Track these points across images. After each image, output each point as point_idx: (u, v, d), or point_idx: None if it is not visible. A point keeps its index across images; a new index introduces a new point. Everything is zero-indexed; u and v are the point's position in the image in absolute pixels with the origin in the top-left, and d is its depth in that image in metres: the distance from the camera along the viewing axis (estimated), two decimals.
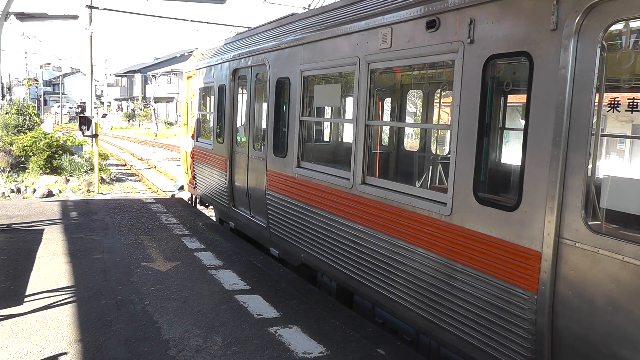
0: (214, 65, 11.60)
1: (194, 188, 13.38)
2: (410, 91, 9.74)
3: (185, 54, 73.45)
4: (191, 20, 30.74)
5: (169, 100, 79.39)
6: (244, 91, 10.52)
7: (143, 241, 9.60)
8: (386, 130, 10.16)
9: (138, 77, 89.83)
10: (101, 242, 9.48)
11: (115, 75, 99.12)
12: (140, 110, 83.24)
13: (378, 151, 8.59)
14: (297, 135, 7.79)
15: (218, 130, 11.31)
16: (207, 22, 31.58)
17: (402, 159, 9.50)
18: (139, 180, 24.08)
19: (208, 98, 12.72)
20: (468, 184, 4.74)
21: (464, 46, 4.73)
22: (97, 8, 27.46)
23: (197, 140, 12.91)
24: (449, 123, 5.01)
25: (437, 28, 5.07)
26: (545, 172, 3.97)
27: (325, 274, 7.41)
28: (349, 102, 7.42)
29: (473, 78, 4.65)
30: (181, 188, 17.95)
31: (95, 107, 30.71)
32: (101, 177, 20.81)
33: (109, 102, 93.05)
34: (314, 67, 7.40)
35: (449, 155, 4.99)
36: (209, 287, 7.30)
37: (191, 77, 13.88)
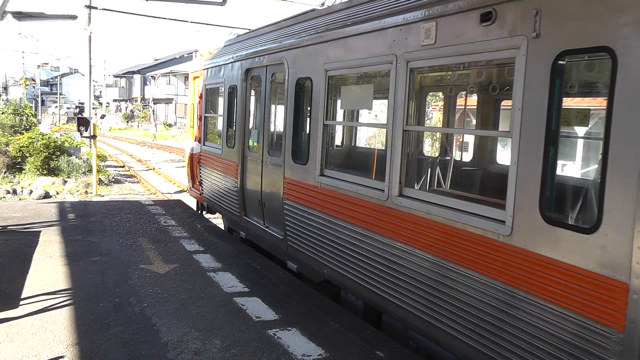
0: (223, 64, 10.97)
1: (200, 194, 12.68)
2: (459, 93, 8.88)
3: (185, 55, 73.63)
4: (191, 22, 30.73)
5: (168, 101, 79.37)
6: (258, 92, 9.95)
7: (141, 243, 9.55)
8: (430, 136, 9.96)
9: (137, 78, 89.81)
10: (99, 244, 9.43)
11: (114, 76, 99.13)
12: (139, 111, 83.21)
13: (418, 160, 7.77)
14: (321, 140, 7.17)
15: (228, 134, 10.70)
16: (207, 24, 31.54)
17: (447, 169, 8.42)
18: (138, 182, 24.02)
19: (217, 100, 12.21)
20: (532, 199, 4.16)
21: (528, 41, 4.19)
22: (96, 8, 27.43)
23: (204, 144, 12.27)
24: (508, 129, 4.47)
25: (493, 21, 4.52)
26: (633, 188, 3.42)
27: (351, 291, 6.80)
28: (380, 104, 6.98)
29: (539, 78, 4.12)
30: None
31: (93, 108, 30.69)
32: (99, 178, 20.74)
33: (108, 103, 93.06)
34: (340, 66, 6.84)
35: (508, 166, 4.44)
36: (208, 289, 7.25)
37: (198, 77, 13.17)
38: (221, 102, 11.23)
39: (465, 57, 5.15)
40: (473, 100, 8.98)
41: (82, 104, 41.01)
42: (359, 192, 6.30)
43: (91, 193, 19.14)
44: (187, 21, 30.68)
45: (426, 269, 5.23)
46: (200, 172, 12.45)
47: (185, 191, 21.20)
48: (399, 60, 5.63)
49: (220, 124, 11.63)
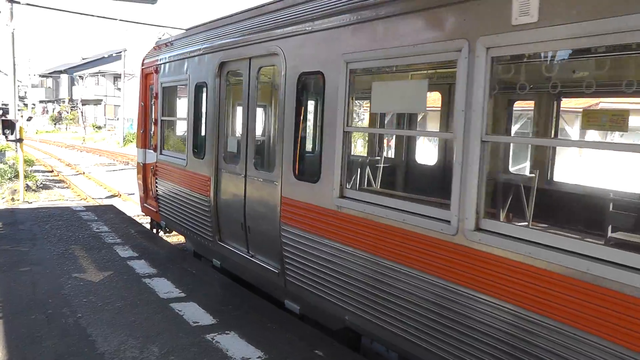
0: (188, 57, 9.31)
1: (157, 212, 10.94)
2: (570, 90, 7.09)
3: (114, 55, 71.57)
4: (120, 20, 29.90)
5: (97, 102, 77.05)
6: (236, 91, 8.51)
7: (74, 251, 9.34)
8: (522, 149, 8.43)
9: (64, 78, 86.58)
10: (29, 253, 9.15)
11: (40, 75, 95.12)
12: (67, 113, 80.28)
13: (504, 182, 6.48)
14: (340, 152, 5.67)
15: (195, 142, 9.11)
16: (137, 22, 30.93)
17: (553, 194, 6.75)
18: (68, 187, 23.28)
19: (178, 100, 10.82)
20: None
21: None
22: (18, 3, 26.29)
23: (161, 153, 10.57)
24: None
25: None
26: None
27: (384, 342, 5.56)
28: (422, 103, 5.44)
29: None
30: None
31: (18, 110, 29.46)
32: (27, 184, 20.00)
33: (34, 105, 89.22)
34: (371, 56, 5.35)
35: None
36: (144, 296, 7.20)
37: (151, 73, 11.29)
38: (184, 103, 9.68)
39: (589, 41, 3.62)
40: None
41: (6, 105, 39.28)
42: (406, 222, 4.92)
43: (18, 200, 18.42)
44: (115, 19, 29.84)
45: (537, 334, 3.84)
46: (156, 186, 10.78)
47: (117, 196, 20.80)
48: (475, 46, 4.24)
49: (183, 130, 10.09)
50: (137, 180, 12.61)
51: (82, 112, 67.10)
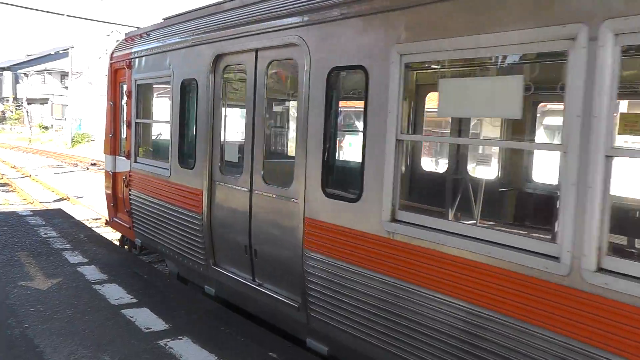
0: (171, 50, 8.13)
1: (130, 228, 9.74)
2: None
3: (61, 52, 69.69)
4: (67, 15, 29.10)
5: (43, 101, 74.70)
6: (237, 89, 7.78)
7: (20, 258, 9.07)
8: None
9: (7, 75, 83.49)
10: None
11: None
12: (12, 112, 77.58)
13: (633, 208, 5.58)
14: (392, 165, 4.70)
15: (183, 150, 7.96)
16: (85, 18, 30.24)
17: None
18: (13, 191, 22.54)
19: (157, 99, 9.74)
20: None
21: None
22: None
23: (135, 161, 9.39)
24: None
25: None
26: None
27: None
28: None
29: None
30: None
31: None
32: None
33: None
34: (436, 47, 4.36)
35: None
36: (94, 303, 7.07)
37: (122, 68, 9.97)
38: (166, 104, 8.56)
39: None
40: None
41: None
42: (492, 256, 3.98)
43: None
44: (62, 14, 29.04)
45: None
46: (130, 199, 9.55)
47: (65, 199, 20.28)
48: (598, 31, 3.32)
49: (165, 135, 9.07)
50: (105, 190, 11.18)
51: (27, 112, 65.03)
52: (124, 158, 9.84)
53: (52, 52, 75.32)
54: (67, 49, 56.41)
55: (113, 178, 10.56)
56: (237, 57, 6.90)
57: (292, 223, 5.88)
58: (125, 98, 9.97)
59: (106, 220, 15.80)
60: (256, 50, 6.46)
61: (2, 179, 26.46)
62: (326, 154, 5.48)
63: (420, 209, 5.26)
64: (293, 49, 5.86)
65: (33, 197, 20.26)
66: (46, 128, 67.52)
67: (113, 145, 10.61)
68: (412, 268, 4.56)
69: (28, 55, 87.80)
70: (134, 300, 7.23)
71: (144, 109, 9.61)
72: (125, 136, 9.96)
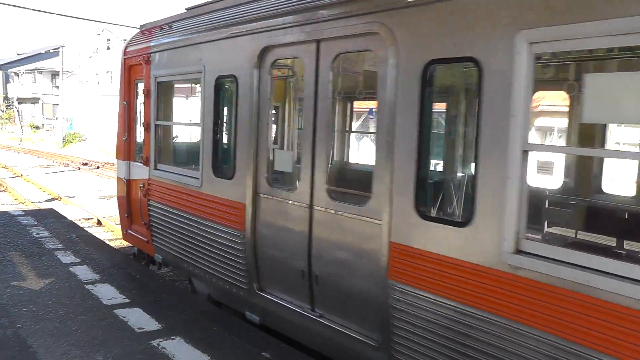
0: (203, 42, 7.18)
1: (148, 242, 8.77)
2: None
3: (51, 51, 69.35)
4: (58, 14, 29.02)
5: (34, 101, 74.41)
6: (289, 88, 7.28)
7: (12, 258, 9.05)
8: None
9: None
10: None
11: None
12: (3, 112, 77.18)
13: None
14: (518, 182, 3.85)
15: (217, 156, 7.07)
16: (76, 17, 30.19)
17: None
18: (4, 191, 22.43)
19: (181, 99, 9.06)
20: None
21: None
22: None
23: (156, 168, 8.40)
24: None
25: None
26: None
27: None
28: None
29: None
30: None
31: None
32: None
33: None
34: (585, 32, 3.46)
35: None
36: (87, 303, 7.08)
37: (138, 64, 8.98)
38: (195, 104, 7.81)
39: None
40: None
41: None
42: None
43: None
44: (53, 13, 29.00)
45: None
46: (149, 210, 8.56)
47: (57, 199, 20.22)
48: None
49: (194, 139, 8.38)
50: (117, 199, 10.21)
51: (18, 111, 64.72)
52: (141, 164, 8.80)
53: (43, 51, 74.97)
54: (58, 48, 56.14)
55: (127, 186, 9.47)
56: (291, 50, 6.00)
57: (370, 248, 4.98)
58: (140, 97, 9.08)
59: (97, 220, 15.80)
60: (318, 41, 5.47)
61: None
62: (421, 165, 4.52)
63: (553, 238, 4.43)
64: (371, 38, 4.89)
65: (25, 197, 20.20)
66: (37, 127, 67.26)
67: (127, 150, 9.51)
68: (546, 313, 3.68)
69: (18, 55, 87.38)
70: (127, 300, 7.23)
71: (165, 109, 8.66)
72: (142, 140, 8.86)
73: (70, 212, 16.59)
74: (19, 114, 63.25)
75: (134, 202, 9.28)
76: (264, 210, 6.26)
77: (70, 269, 8.57)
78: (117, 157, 10.12)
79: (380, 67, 4.89)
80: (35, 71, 75.56)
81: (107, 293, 7.49)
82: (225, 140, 7.38)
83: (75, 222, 13.51)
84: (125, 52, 9.48)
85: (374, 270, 4.94)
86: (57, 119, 57.09)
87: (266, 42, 6.07)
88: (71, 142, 51.59)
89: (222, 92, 7.01)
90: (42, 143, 53.85)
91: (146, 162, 8.63)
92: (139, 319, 6.58)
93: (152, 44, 8.44)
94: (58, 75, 57.63)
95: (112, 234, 14.57)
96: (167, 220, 8.01)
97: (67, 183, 25.36)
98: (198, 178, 7.26)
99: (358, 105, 8.10)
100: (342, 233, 5.37)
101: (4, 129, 72.12)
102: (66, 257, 9.24)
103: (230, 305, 7.17)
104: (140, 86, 9.04)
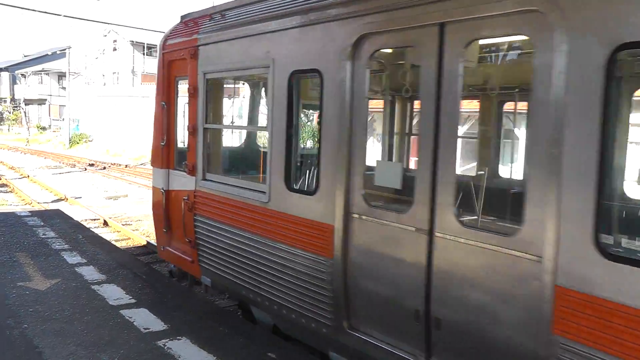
0: (270, 32, 6.09)
1: (194, 262, 7.58)
2: None
3: (58, 52, 69.62)
4: (64, 16, 29.09)
5: (41, 102, 74.71)
6: (394, 84, 6.27)
7: (19, 258, 9.08)
8: None
9: (5, 76, 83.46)
10: None
11: None
12: (9, 113, 77.49)
13: None
14: None
15: (291, 166, 5.97)
16: (81, 19, 30.20)
17: None
18: (11, 192, 22.51)
19: (237, 99, 8.68)
20: None
21: None
22: None
23: (205, 178, 7.33)
24: None
25: None
26: None
27: None
28: None
29: None
30: None
31: None
32: None
33: None
34: None
35: None
36: (93, 303, 7.08)
37: (181, 59, 7.85)
38: (258, 104, 7.49)
39: None
40: None
41: None
42: None
43: None
44: (59, 15, 29.01)
45: None
46: (196, 227, 7.44)
47: (64, 200, 20.26)
48: None
49: (256, 145, 7.87)
50: (153, 211, 9.07)
51: (25, 113, 64.98)
52: (184, 173, 7.75)
53: (50, 53, 75.29)
54: (65, 50, 56.33)
55: (166, 197, 8.31)
56: (400, 37, 4.89)
57: (524, 291, 3.92)
58: (182, 97, 8.08)
59: (103, 220, 15.82)
60: (441, 25, 4.38)
61: (0, 179, 26.46)
62: (603, 185, 3.48)
63: None
64: (525, 19, 3.83)
65: (31, 198, 20.25)
66: (44, 129, 67.49)
67: (166, 157, 8.38)
68: None
69: (25, 56, 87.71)
70: (133, 301, 7.24)
71: (216, 110, 7.74)
72: (185, 145, 7.80)
73: (77, 212, 16.63)
74: (25, 115, 63.51)
75: (174, 216, 8.09)
76: (360, 234, 5.15)
77: (76, 269, 8.59)
78: (152, 164, 9.08)
79: (537, 55, 3.82)
80: (42, 72, 75.83)
81: (113, 293, 7.50)
82: (302, 147, 6.65)
83: (82, 222, 13.55)
84: (163, 46, 8.37)
85: (530, 320, 3.89)
86: (63, 120, 57.30)
87: (364, 29, 4.95)
88: (78, 143, 51.73)
89: (297, 90, 5.92)
90: (48, 144, 54.04)
91: (191, 171, 7.50)
92: (145, 320, 6.58)
93: (199, 36, 7.37)
94: (65, 76, 57.85)
95: (118, 234, 14.60)
96: (220, 239, 6.91)
97: (74, 184, 25.43)
98: (264, 192, 6.13)
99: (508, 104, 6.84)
100: (477, 269, 4.22)
101: (10, 130, 72.44)
102: (72, 258, 9.25)
103: (307, 341, 6.03)
104: (183, 84, 8.09)
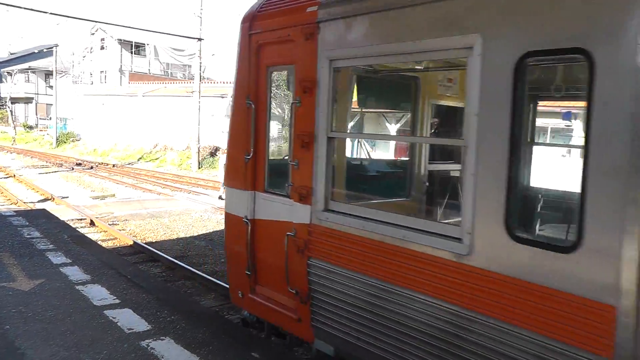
0: None
1: (300, 321, 5.57)
2: None
3: (45, 50, 68.96)
4: (51, 13, 28.76)
5: (27, 101, 74.10)
6: None
7: (2, 259, 9.01)
8: None
9: None
10: None
11: None
12: None
13: None
14: None
15: (519, 202, 4.27)
16: (68, 16, 29.80)
17: None
18: None
19: (393, 96, 6.87)
20: None
21: None
22: None
23: (328, 209, 5.20)
24: None
25: None
26: None
27: None
28: None
29: None
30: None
31: None
32: None
33: None
34: None
35: None
36: (77, 304, 7.06)
37: (282, 41, 5.73)
38: (434, 106, 6.15)
39: None
40: None
41: None
42: None
43: None
44: (46, 12, 28.65)
45: None
46: (310, 274, 5.35)
47: (50, 199, 20.12)
48: None
49: (439, 164, 6.41)
50: (227, 244, 6.82)
51: (11, 111, 64.27)
52: (286, 199, 5.67)
53: (36, 51, 74.60)
54: (52, 48, 55.89)
55: (252, 230, 6.17)
56: None
57: None
58: (279, 93, 6.51)
59: (89, 220, 15.73)
60: None
61: None
62: None
63: None
64: None
65: (17, 198, 20.11)
66: (30, 128, 66.96)
67: (251, 174, 6.19)
68: None
69: (11, 54, 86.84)
70: (117, 301, 7.22)
71: (347, 113, 6.11)
72: (295, 161, 5.44)
73: (63, 212, 16.52)
74: (12, 114, 62.82)
75: (266, 256, 6.06)
76: None
77: (61, 269, 8.55)
78: (228, 184, 6.78)
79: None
80: (29, 71, 75.18)
81: (98, 294, 7.48)
82: (533, 171, 5.09)
83: (68, 222, 13.48)
84: (251, 25, 6.12)
85: None
86: (50, 118, 56.91)
87: None
88: (65, 142, 51.40)
89: (529, 83, 4.18)
90: (35, 143, 53.66)
91: (304, 198, 5.35)
92: (129, 320, 6.57)
93: (319, 9, 5.24)
94: (52, 74, 57.40)
95: (104, 234, 14.53)
96: (359, 297, 4.89)
97: (61, 183, 25.29)
98: (458, 238, 4.07)
99: None
100: None
101: None
102: (57, 258, 9.21)
103: None
104: (277, 76, 6.36)
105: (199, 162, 34.94)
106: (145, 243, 13.24)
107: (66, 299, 7.22)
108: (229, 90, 38.61)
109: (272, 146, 6.43)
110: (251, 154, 6.15)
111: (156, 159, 39.39)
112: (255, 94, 6.15)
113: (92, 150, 45.98)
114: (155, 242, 13.78)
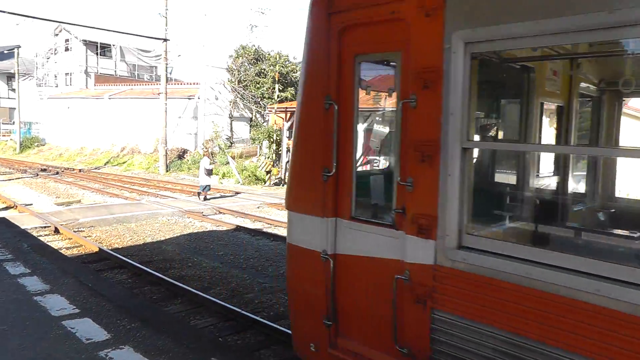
0: None
1: None
2: None
3: (5, 52, 67.28)
4: (10, 13, 28.09)
5: None
6: None
7: None
8: None
9: None
10: None
11: None
12: None
13: None
14: None
15: None
16: (29, 16, 29.16)
17: None
18: None
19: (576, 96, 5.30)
20: None
21: None
22: None
23: (464, 245, 3.87)
24: None
25: None
26: None
27: None
28: None
29: None
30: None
31: None
32: None
33: None
34: None
35: None
36: (34, 315, 6.90)
37: (382, 20, 4.32)
38: None
39: None
40: None
41: None
42: None
43: None
44: (5, 11, 27.97)
45: None
46: (436, 332, 4.04)
47: (13, 207, 19.64)
48: None
49: None
50: (292, 284, 5.36)
51: None
52: (394, 230, 4.34)
53: None
54: (13, 49, 54.66)
55: (335, 267, 4.83)
56: None
57: None
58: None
59: (54, 228, 15.40)
60: None
61: None
62: None
63: None
64: None
65: None
66: None
67: (331, 196, 4.83)
68: None
69: None
70: (77, 311, 7.09)
71: (492, 116, 5.20)
72: (404, 180, 4.17)
73: (26, 220, 16.16)
74: None
75: (356, 302, 4.75)
76: None
77: (18, 280, 8.35)
78: (294, 208, 5.28)
79: None
80: None
81: (57, 304, 7.33)
82: None
83: (30, 230, 13.22)
84: (331, 2, 4.74)
85: None
86: (13, 123, 55.67)
87: None
88: (29, 148, 50.38)
89: None
90: None
91: (425, 230, 4.05)
92: (88, 330, 6.45)
93: None
94: (14, 77, 56.16)
95: (69, 241, 14.25)
96: None
97: (24, 190, 24.74)
98: None
99: None
100: None
101: None
102: (15, 268, 9.00)
103: None
104: (367, 68, 4.87)
105: (167, 165, 34.56)
106: (111, 249, 13.03)
107: (22, 310, 7.06)
108: (195, 91, 38.35)
109: (364, 160, 5.25)
110: (333, 171, 4.77)
111: (124, 162, 38.86)
112: (337, 93, 4.76)
113: (57, 155, 45.13)
114: (122, 248, 13.57)
